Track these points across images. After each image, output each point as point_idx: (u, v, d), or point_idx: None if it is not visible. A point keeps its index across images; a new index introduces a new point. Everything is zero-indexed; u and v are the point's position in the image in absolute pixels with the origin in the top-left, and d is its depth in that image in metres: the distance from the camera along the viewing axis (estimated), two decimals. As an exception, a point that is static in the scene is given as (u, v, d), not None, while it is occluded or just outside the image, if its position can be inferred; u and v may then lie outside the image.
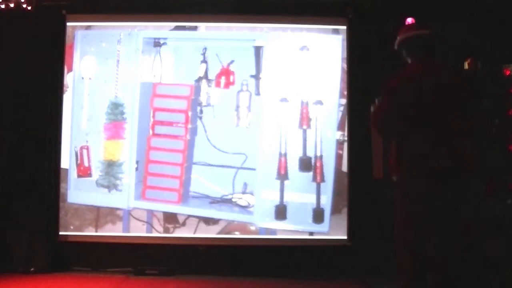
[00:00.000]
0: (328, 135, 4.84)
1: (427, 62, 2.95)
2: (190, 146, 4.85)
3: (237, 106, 4.87)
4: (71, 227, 4.89)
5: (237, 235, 4.86)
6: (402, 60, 3.08)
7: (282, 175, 4.80)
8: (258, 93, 4.87)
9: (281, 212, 4.79)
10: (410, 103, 2.81)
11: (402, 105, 2.83)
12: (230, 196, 4.84)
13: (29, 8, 4.77)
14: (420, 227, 2.84)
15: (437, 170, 2.78)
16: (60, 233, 4.85)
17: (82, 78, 4.93)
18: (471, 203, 2.94)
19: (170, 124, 4.85)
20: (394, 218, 2.94)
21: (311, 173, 4.81)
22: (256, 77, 4.87)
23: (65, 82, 4.94)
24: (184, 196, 4.83)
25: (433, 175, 2.78)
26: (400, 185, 2.93)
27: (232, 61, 4.88)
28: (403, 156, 2.92)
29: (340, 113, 4.87)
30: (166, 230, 4.86)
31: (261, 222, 4.82)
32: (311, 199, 4.79)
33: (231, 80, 4.88)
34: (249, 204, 4.82)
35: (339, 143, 4.86)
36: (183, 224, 4.86)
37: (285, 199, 4.79)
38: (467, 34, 4.47)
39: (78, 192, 4.88)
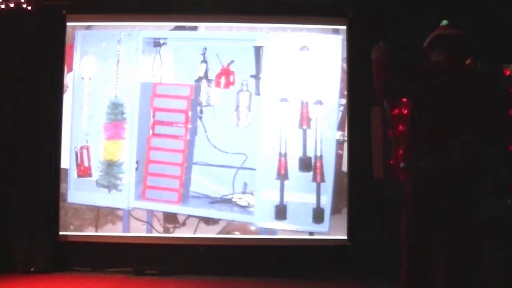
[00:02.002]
0: (328, 135, 4.84)
1: (455, 59, 3.00)
2: (190, 146, 4.85)
3: (237, 106, 4.87)
4: (71, 227, 4.89)
5: (237, 235, 4.86)
6: (429, 55, 3.10)
7: (282, 175, 4.80)
8: (258, 93, 4.87)
9: (281, 212, 4.79)
10: (428, 88, 2.87)
11: (420, 81, 2.90)
12: (230, 196, 4.84)
13: (29, 8, 4.77)
14: (426, 227, 2.85)
15: (442, 169, 2.79)
16: (60, 233, 4.84)
17: (82, 78, 4.93)
18: (475, 203, 2.96)
19: (170, 124, 4.85)
20: (402, 216, 2.96)
21: (311, 173, 4.81)
22: (256, 77, 4.87)
23: (65, 82, 4.93)
24: (184, 196, 4.83)
25: (438, 174, 2.80)
26: (407, 184, 2.95)
27: (232, 61, 4.88)
28: (410, 154, 2.95)
29: (340, 113, 4.87)
30: (166, 230, 4.86)
31: (261, 222, 4.82)
32: (311, 199, 4.79)
33: (231, 80, 4.88)
34: (249, 204, 4.82)
35: (339, 143, 4.86)
36: (183, 224, 4.86)
37: (285, 199, 4.79)
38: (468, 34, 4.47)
39: (78, 192, 4.88)
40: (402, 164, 2.98)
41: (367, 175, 4.59)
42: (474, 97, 2.91)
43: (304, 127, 4.83)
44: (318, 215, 4.79)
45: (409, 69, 3.00)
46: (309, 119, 4.83)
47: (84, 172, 4.89)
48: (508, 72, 3.81)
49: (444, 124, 2.84)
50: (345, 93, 4.86)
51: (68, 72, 4.95)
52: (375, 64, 3.08)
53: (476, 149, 2.85)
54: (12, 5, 4.74)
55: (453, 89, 2.87)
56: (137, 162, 4.86)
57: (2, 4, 4.74)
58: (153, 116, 4.86)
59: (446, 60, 3.00)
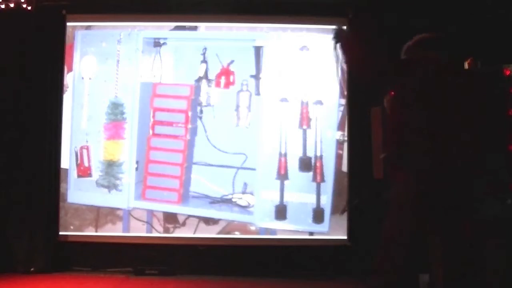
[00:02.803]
0: (328, 135, 4.84)
1: (455, 59, 3.01)
2: (190, 146, 4.85)
3: (237, 106, 4.87)
4: (71, 227, 4.89)
5: (237, 235, 4.86)
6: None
7: (282, 175, 4.80)
8: (258, 93, 4.87)
9: (281, 212, 4.79)
10: (428, 87, 2.86)
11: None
12: (230, 196, 4.84)
13: (29, 8, 4.76)
14: (422, 227, 2.85)
15: (442, 169, 2.79)
16: (60, 233, 4.84)
17: (82, 78, 4.93)
18: (475, 203, 2.96)
19: (170, 124, 4.85)
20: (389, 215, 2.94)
21: (311, 173, 4.81)
22: (256, 77, 4.87)
23: (65, 82, 4.93)
24: (184, 196, 4.83)
25: (437, 174, 2.80)
26: (401, 183, 2.94)
27: (232, 61, 4.88)
28: (404, 154, 2.94)
29: (340, 113, 4.87)
30: (166, 230, 4.86)
31: (261, 222, 4.82)
32: (311, 199, 4.79)
33: (231, 80, 4.88)
34: (249, 204, 4.83)
35: (339, 143, 4.86)
36: (183, 224, 4.86)
37: (285, 199, 4.79)
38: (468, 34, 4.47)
39: (78, 192, 4.88)
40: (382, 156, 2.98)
41: (367, 175, 4.59)
42: (474, 97, 2.91)
43: (304, 127, 4.83)
44: (318, 215, 4.79)
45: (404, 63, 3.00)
46: (309, 119, 4.83)
47: (84, 172, 4.89)
48: (508, 72, 3.81)
49: (443, 124, 2.84)
50: (345, 93, 4.86)
51: (68, 72, 4.95)
52: (353, 53, 3.00)
53: (475, 149, 2.86)
54: (12, 5, 4.73)
55: (453, 89, 2.87)
56: (137, 162, 4.86)
57: (2, 4, 4.73)
58: (153, 116, 4.86)
59: (446, 60, 3.00)
